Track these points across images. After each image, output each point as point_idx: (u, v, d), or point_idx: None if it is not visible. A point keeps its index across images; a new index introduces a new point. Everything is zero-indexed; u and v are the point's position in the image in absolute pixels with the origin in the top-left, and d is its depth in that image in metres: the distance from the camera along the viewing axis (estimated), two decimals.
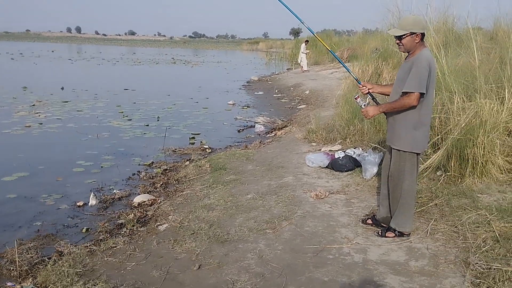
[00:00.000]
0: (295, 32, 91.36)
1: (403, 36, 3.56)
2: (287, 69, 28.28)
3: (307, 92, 15.78)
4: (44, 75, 23.44)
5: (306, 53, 23.23)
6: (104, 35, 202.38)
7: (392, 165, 3.75)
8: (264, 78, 23.66)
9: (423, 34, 3.57)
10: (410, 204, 3.73)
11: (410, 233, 3.82)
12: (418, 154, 3.68)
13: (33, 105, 12.79)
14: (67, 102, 13.58)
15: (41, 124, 10.23)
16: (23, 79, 19.27)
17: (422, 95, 3.45)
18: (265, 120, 11.08)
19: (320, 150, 6.82)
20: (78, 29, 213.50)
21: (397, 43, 3.66)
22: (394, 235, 3.81)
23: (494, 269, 3.07)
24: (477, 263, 3.17)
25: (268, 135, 9.60)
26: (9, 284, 3.62)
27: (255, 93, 17.64)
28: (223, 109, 13.54)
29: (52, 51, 49.17)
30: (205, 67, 33.02)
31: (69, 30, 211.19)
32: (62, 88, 16.66)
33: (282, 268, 3.46)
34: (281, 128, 10.03)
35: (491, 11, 8.41)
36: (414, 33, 3.52)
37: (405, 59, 3.72)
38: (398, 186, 3.71)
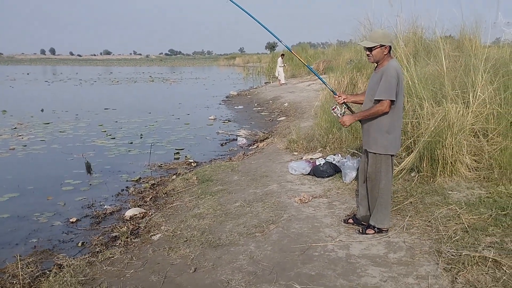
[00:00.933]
0: (271, 46, 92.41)
1: (373, 48, 3.90)
2: (265, 83, 28.70)
3: (286, 104, 16.17)
4: (22, 97, 23.35)
5: (283, 67, 23.72)
6: (79, 55, 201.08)
7: (369, 167, 4.08)
8: (243, 92, 24.02)
9: (390, 47, 3.94)
10: (387, 202, 4.06)
11: (388, 230, 4.13)
12: (392, 155, 4.01)
13: (15, 128, 12.85)
14: (48, 123, 13.67)
15: (25, 146, 10.33)
16: (0, 103, 19.22)
17: (393, 102, 3.80)
18: (246, 133, 11.39)
19: (301, 158, 7.13)
20: (52, 51, 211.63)
21: (367, 54, 4.00)
22: (374, 231, 4.13)
23: (464, 255, 3.40)
24: (448, 251, 3.50)
25: (250, 147, 9.89)
26: None
27: (235, 107, 17.96)
28: (205, 124, 13.80)
29: (27, 74, 48.79)
30: (184, 84, 33.28)
31: (43, 52, 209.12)
32: (42, 110, 16.69)
33: (272, 266, 3.74)
34: (263, 140, 10.34)
35: (457, 21, 8.86)
36: (383, 45, 3.87)
37: (375, 69, 4.07)
38: (376, 186, 4.04)
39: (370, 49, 3.93)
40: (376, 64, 4.05)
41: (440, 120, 5.16)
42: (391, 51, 3.99)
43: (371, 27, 10.96)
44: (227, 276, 3.66)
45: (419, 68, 7.08)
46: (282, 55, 24.44)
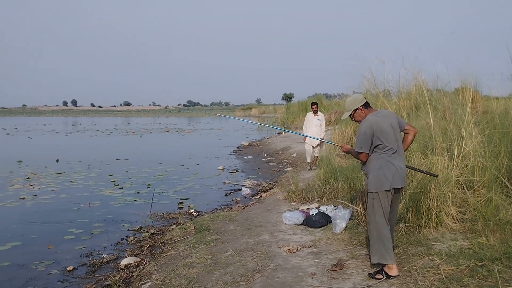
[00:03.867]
0: (287, 97, 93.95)
1: (351, 115, 4.51)
2: (277, 133, 29.09)
3: (294, 155, 16.37)
4: (39, 148, 24.06)
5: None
6: (100, 107, 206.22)
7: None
8: (254, 142, 24.38)
9: (364, 104, 4.41)
10: (380, 237, 4.18)
11: (397, 275, 4.15)
12: (380, 192, 4.19)
13: (28, 178, 13.25)
14: (61, 173, 14.06)
15: (35, 196, 10.63)
16: (18, 153, 19.83)
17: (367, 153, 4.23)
18: (251, 183, 11.56)
19: (298, 208, 7.24)
20: (74, 102, 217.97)
21: (353, 120, 4.57)
22: (382, 276, 4.17)
23: None
24: None
25: (253, 197, 10.04)
26: None
27: (245, 157, 18.22)
28: (213, 174, 14.03)
29: (44, 125, 50.20)
30: (198, 134, 33.90)
31: (65, 103, 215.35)
32: (57, 160, 17.18)
33: None
34: (267, 191, 10.48)
35: (459, 72, 9.06)
36: (356, 109, 4.42)
37: None
38: (368, 222, 4.35)
39: (351, 116, 4.54)
40: None
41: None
42: (368, 106, 4.44)
43: (374, 81, 11.34)
44: None
45: (411, 121, 7.29)
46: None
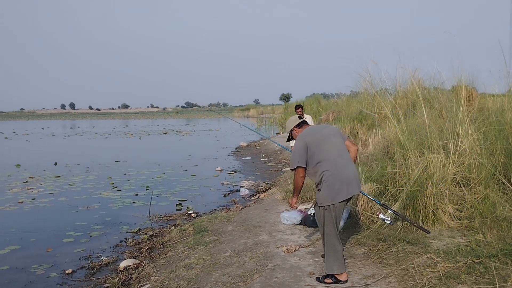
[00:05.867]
0: (285, 97, 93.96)
1: (290, 135, 4.78)
2: (276, 133, 29.10)
3: None
4: (37, 152, 24.05)
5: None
6: (98, 109, 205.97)
7: None
8: (252, 143, 24.40)
9: (298, 125, 4.69)
10: (330, 249, 4.20)
11: (346, 280, 4.17)
12: (325, 207, 4.17)
13: (26, 181, 13.26)
14: (59, 176, 14.06)
15: (33, 199, 10.64)
16: (16, 157, 19.83)
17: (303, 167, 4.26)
18: (249, 184, 11.57)
19: (296, 208, 7.25)
20: (72, 105, 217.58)
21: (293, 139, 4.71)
22: (331, 281, 4.20)
23: None
24: None
25: (252, 198, 10.05)
26: None
27: (243, 158, 18.24)
28: (211, 175, 14.04)
29: (42, 128, 50.17)
30: (196, 136, 33.91)
31: (63, 106, 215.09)
32: (55, 164, 17.19)
33: None
34: (265, 191, 10.49)
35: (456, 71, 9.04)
36: (291, 130, 4.71)
37: None
38: (323, 234, 4.32)
39: (292, 138, 4.75)
40: None
41: (422, 170, 5.30)
42: (303, 125, 4.68)
43: (371, 80, 11.37)
44: None
45: (408, 119, 7.30)
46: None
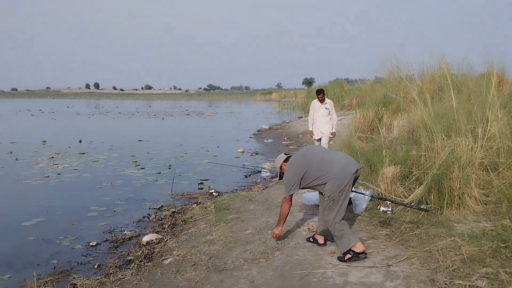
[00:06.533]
0: (308, 82, 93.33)
1: (280, 172, 4.77)
2: (298, 117, 28.95)
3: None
4: (62, 129, 24.48)
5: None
6: (122, 90, 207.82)
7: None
8: (274, 126, 24.33)
9: (285, 160, 4.73)
10: (339, 231, 4.33)
11: (364, 251, 4.28)
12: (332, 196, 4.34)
13: (52, 157, 13.52)
14: (83, 154, 14.29)
15: (59, 174, 10.85)
16: (42, 134, 20.21)
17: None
18: (271, 165, 11.56)
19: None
20: (97, 85, 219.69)
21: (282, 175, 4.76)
22: (350, 255, 4.28)
23: (456, 284, 3.43)
24: (442, 281, 3.53)
25: (273, 179, 10.05)
26: None
27: (265, 140, 18.22)
28: (233, 156, 14.07)
29: (67, 107, 50.98)
30: (218, 118, 33.98)
31: (87, 86, 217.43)
32: (80, 141, 17.47)
33: None
34: None
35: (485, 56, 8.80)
36: (280, 166, 4.75)
37: None
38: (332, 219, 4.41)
39: (281, 175, 4.79)
40: None
41: (449, 153, 5.22)
42: (287, 160, 4.72)
43: (398, 64, 11.16)
44: None
45: (435, 103, 7.17)
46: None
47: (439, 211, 5.08)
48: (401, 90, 11.24)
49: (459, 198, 5.02)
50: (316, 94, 9.76)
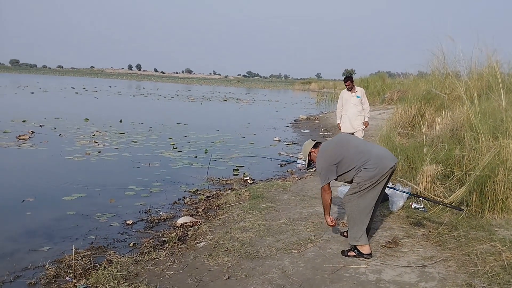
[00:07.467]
0: (349, 73, 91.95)
1: (310, 159, 4.58)
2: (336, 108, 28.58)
3: None
4: (104, 108, 25.09)
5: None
6: (163, 72, 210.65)
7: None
8: (312, 117, 24.16)
9: (314, 146, 4.52)
10: (359, 220, 4.23)
11: (369, 253, 4.23)
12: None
13: (93, 135, 13.88)
14: (124, 133, 14.61)
15: (99, 152, 11.13)
16: (85, 111, 20.77)
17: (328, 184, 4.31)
18: None
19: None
20: (139, 67, 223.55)
21: (312, 164, 4.61)
22: (354, 253, 4.28)
23: None
24: (480, 286, 3.43)
25: (308, 170, 10.00)
26: (67, 278, 4.25)
27: (302, 130, 18.14)
28: (269, 144, 14.08)
29: (110, 87, 52.14)
30: (256, 105, 34.02)
31: (130, 67, 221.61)
32: (121, 121, 17.84)
33: (301, 282, 3.85)
34: None
35: None
36: (309, 153, 4.53)
37: None
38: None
39: (309, 163, 4.64)
40: None
41: (494, 155, 5.04)
42: (318, 145, 4.51)
43: (444, 59, 10.81)
44: (256, 286, 3.82)
45: (482, 102, 6.92)
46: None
47: (480, 214, 4.92)
48: (446, 87, 10.91)
49: (502, 202, 4.84)
50: (344, 82, 9.09)
